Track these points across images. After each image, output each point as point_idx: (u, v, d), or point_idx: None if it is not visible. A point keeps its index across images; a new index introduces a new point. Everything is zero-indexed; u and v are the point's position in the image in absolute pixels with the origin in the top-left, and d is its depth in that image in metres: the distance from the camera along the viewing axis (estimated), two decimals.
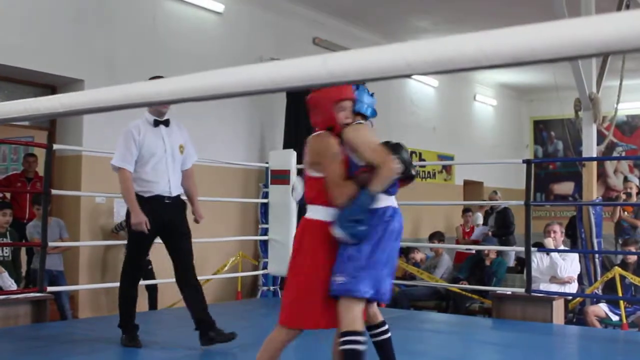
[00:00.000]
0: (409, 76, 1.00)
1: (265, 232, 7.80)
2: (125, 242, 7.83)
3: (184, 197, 5.27)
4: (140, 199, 4.84)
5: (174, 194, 4.98)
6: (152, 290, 8.15)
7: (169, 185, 4.92)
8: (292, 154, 7.31)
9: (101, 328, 5.96)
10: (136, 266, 5.09)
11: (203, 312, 4.92)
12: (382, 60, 1.00)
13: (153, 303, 8.15)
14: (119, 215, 8.45)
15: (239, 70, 1.14)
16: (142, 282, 8.03)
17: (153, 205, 4.84)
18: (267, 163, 7.93)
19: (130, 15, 8.69)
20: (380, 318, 3.52)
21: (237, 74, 1.14)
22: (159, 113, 4.98)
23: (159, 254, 8.47)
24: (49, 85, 8.40)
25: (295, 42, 10.82)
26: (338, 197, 3.23)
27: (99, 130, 8.27)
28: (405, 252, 9.51)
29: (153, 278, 8.05)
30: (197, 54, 9.46)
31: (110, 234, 8.26)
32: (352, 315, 3.18)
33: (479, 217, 12.20)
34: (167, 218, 4.92)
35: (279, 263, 7.44)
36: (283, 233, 7.38)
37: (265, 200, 7.93)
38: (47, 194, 6.11)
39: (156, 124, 4.97)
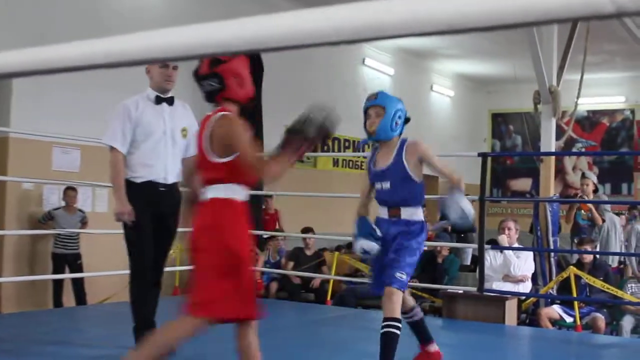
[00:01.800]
0: (336, 44, 0.88)
1: None
2: (50, 232, 7.48)
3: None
4: (130, 185, 4.18)
5: (170, 181, 4.31)
6: (79, 285, 7.65)
7: (165, 171, 4.26)
8: None
9: (23, 324, 5.57)
10: (140, 263, 4.25)
11: (153, 314, 4.29)
12: (305, 25, 0.90)
13: (81, 298, 7.65)
14: (48, 203, 7.92)
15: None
16: (69, 276, 7.59)
17: (146, 192, 4.19)
18: None
19: None
20: (412, 304, 4.07)
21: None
22: (162, 89, 4.29)
23: (89, 247, 8.00)
24: None
25: None
26: (266, 174, 3.01)
27: (28, 111, 7.73)
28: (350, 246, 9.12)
29: (80, 272, 7.57)
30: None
31: (37, 224, 7.69)
32: (397, 305, 3.67)
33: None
34: (160, 208, 4.23)
35: None
36: None
37: None
38: None
39: (158, 100, 4.28)
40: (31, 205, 7.93)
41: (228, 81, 2.99)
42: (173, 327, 2.99)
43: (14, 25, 7.59)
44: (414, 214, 3.84)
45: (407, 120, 3.89)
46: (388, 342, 3.68)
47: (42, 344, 4.77)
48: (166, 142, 4.25)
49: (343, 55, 12.55)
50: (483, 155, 6.19)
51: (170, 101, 4.32)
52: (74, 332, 5.30)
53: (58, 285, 7.68)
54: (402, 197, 3.84)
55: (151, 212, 4.20)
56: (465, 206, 3.71)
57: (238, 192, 3.02)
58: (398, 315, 3.67)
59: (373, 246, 3.73)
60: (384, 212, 3.87)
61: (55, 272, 7.64)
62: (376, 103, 3.84)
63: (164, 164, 4.24)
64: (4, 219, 7.60)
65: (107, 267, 7.99)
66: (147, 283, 4.25)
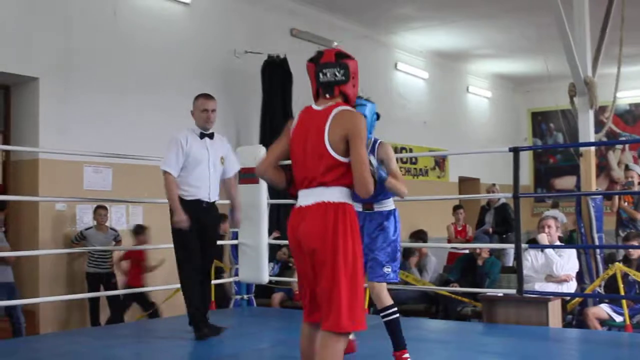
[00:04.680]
0: None
1: (235, 236, 7.20)
2: (80, 250, 7.48)
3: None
4: (181, 201, 5.29)
5: (212, 199, 5.49)
6: (115, 303, 7.61)
7: (208, 191, 5.44)
8: (262, 150, 6.70)
9: (53, 344, 5.56)
10: (188, 269, 5.37)
11: (204, 304, 5.51)
12: None
13: (117, 316, 7.60)
14: (82, 223, 7.90)
15: None
16: (102, 294, 7.54)
17: (193, 207, 5.31)
18: None
19: (88, 8, 8.14)
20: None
21: None
22: (205, 128, 5.51)
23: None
24: (1, 85, 7.86)
25: (271, 34, 10.24)
26: (370, 184, 3.00)
27: (57, 132, 7.73)
28: (404, 256, 8.90)
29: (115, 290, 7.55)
30: (163, 49, 8.89)
31: (72, 245, 7.66)
32: (387, 293, 4.05)
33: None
34: (203, 220, 5.38)
35: (249, 269, 6.85)
36: (254, 236, 6.78)
37: None
38: None
39: (202, 136, 5.48)
40: (65, 225, 7.91)
41: (351, 77, 3.10)
42: (332, 352, 2.90)
43: (35, 46, 7.62)
44: (384, 205, 4.28)
45: (378, 117, 4.21)
46: (393, 327, 4.09)
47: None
48: (210, 168, 5.45)
49: (375, 61, 12.38)
50: (514, 150, 5.91)
51: (211, 136, 5.55)
52: (105, 349, 5.22)
53: (94, 304, 7.64)
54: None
55: (196, 222, 5.30)
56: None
57: (349, 199, 3.06)
58: (389, 302, 4.07)
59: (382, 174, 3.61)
60: (358, 207, 3.98)
61: (90, 291, 7.60)
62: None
63: (208, 186, 5.43)
64: (38, 240, 7.59)
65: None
66: (196, 282, 5.39)
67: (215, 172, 5.52)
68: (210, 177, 5.46)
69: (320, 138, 2.99)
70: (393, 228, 4.22)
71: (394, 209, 4.31)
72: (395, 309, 4.08)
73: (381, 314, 4.07)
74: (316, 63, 3.12)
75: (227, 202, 5.91)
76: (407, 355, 4.14)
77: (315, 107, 3.12)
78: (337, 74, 3.06)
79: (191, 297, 5.38)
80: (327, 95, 3.09)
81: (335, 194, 2.98)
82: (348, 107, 3.04)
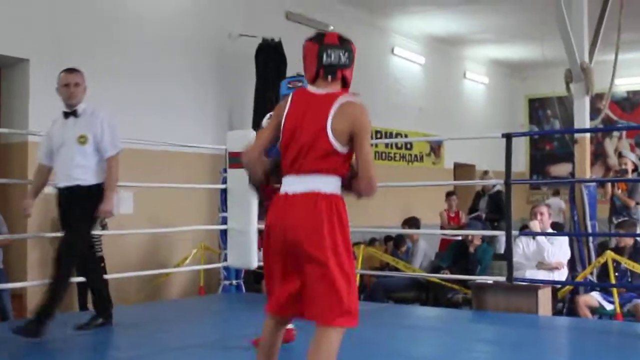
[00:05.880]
0: None
1: (225, 221, 7.15)
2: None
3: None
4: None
5: (71, 183, 5.02)
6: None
7: (66, 175, 5.02)
8: (252, 134, 6.64)
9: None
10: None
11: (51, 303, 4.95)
12: None
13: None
14: None
15: None
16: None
17: (59, 194, 5.10)
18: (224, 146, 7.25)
19: None
20: None
21: None
22: (69, 105, 5.09)
23: (113, 248, 7.92)
24: None
25: (266, 17, 10.13)
26: (375, 183, 2.88)
27: (47, 116, 7.63)
28: (396, 244, 8.87)
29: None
30: (156, 32, 8.80)
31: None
32: None
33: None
34: (63, 207, 5.12)
35: (238, 254, 6.81)
36: (243, 222, 6.73)
37: (223, 186, 7.27)
38: None
39: (66, 115, 5.09)
40: (54, 209, 7.84)
41: (353, 62, 3.01)
42: (328, 348, 2.78)
43: (26, 27, 7.53)
44: None
45: None
46: None
47: (69, 346, 4.73)
48: (69, 150, 4.97)
49: (371, 45, 12.28)
50: (507, 136, 5.86)
51: (75, 114, 5.06)
52: (98, 334, 5.19)
53: (82, 288, 7.58)
54: None
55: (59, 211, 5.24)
56: None
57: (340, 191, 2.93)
58: None
59: None
60: None
61: (78, 275, 7.54)
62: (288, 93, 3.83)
63: (64, 170, 5.03)
64: (27, 224, 7.53)
65: (131, 268, 7.92)
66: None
67: (75, 153, 4.99)
68: (68, 160, 5.00)
69: (322, 123, 2.84)
70: None
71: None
72: None
73: None
74: (320, 43, 2.97)
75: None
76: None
77: (313, 89, 2.98)
78: (341, 56, 2.95)
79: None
80: (329, 78, 2.96)
81: (328, 184, 2.85)
82: (354, 99, 2.91)
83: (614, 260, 6.52)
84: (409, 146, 13.10)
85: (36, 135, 7.20)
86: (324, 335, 2.78)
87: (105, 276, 7.38)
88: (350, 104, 2.88)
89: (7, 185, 7.67)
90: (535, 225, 6.89)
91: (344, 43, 2.98)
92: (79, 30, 7.97)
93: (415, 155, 13.37)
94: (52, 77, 7.71)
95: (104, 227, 7.72)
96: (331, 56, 2.93)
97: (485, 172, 11.55)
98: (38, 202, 7.59)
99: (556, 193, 13.79)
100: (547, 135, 16.97)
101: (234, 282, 7.54)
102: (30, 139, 7.50)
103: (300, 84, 3.90)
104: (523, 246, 6.96)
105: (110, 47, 8.29)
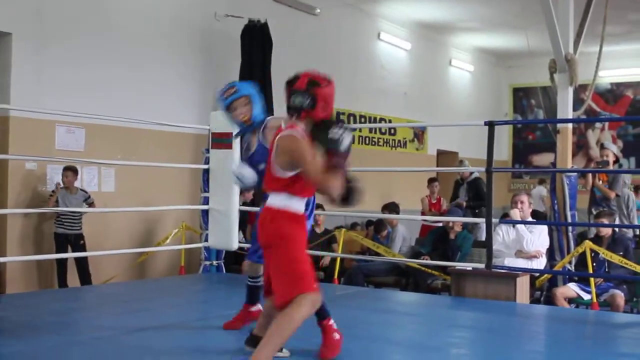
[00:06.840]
0: None
1: (207, 201, 7.13)
2: (49, 210, 7.34)
3: None
4: None
5: None
6: (83, 265, 7.54)
7: None
8: None
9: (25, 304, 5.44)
10: None
11: None
12: None
13: (85, 278, 7.54)
14: (52, 183, 7.79)
15: None
16: (71, 255, 7.47)
17: None
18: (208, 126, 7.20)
19: None
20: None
21: None
22: None
23: (94, 226, 7.90)
24: None
25: None
26: (325, 182, 3.25)
27: (29, 89, 7.59)
28: (376, 229, 8.89)
29: (84, 252, 7.47)
30: (141, 10, 8.73)
31: (42, 204, 7.57)
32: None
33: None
34: None
35: (219, 235, 6.80)
36: (225, 202, 6.71)
37: (206, 166, 7.24)
38: None
39: None
40: (35, 185, 7.80)
41: (318, 104, 3.30)
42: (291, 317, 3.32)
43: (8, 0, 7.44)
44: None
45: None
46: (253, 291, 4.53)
47: (44, 324, 4.66)
48: None
49: (357, 29, 12.27)
50: (490, 124, 5.88)
51: None
52: (75, 313, 5.19)
53: (62, 265, 7.56)
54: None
55: None
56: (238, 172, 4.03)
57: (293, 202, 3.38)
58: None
59: (248, 172, 3.96)
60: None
61: (57, 252, 7.52)
62: (241, 94, 4.15)
63: None
64: (7, 199, 7.48)
65: (112, 246, 7.90)
66: None
67: None
68: None
69: (271, 155, 3.37)
70: None
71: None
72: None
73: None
74: (290, 86, 3.38)
75: None
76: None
77: (283, 124, 3.40)
78: (304, 102, 3.29)
79: None
80: (293, 118, 3.33)
81: (278, 200, 3.34)
82: (288, 132, 3.28)
83: (592, 250, 6.57)
84: (392, 131, 13.11)
85: (18, 110, 7.19)
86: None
87: (85, 253, 7.43)
88: (282, 138, 3.29)
89: None
90: (515, 214, 6.94)
91: (310, 88, 3.30)
92: (62, 6, 7.89)
93: (399, 141, 13.38)
94: (34, 51, 7.71)
95: (90, 205, 7.69)
96: (294, 101, 3.31)
97: (461, 162, 11.59)
98: (19, 177, 7.61)
99: (541, 182, 13.90)
100: (531, 125, 17.04)
101: (215, 262, 7.53)
102: (12, 113, 7.44)
103: (234, 90, 4.19)
104: (503, 234, 7.01)
105: (95, 23, 8.22)
